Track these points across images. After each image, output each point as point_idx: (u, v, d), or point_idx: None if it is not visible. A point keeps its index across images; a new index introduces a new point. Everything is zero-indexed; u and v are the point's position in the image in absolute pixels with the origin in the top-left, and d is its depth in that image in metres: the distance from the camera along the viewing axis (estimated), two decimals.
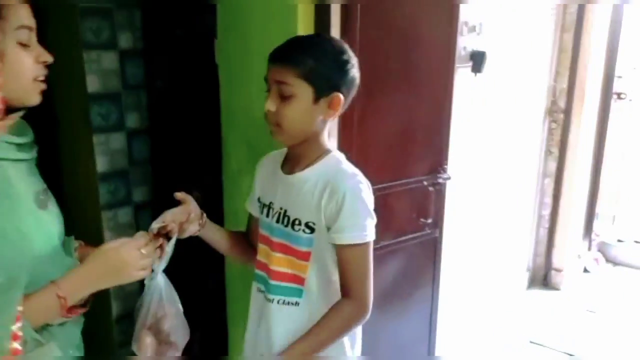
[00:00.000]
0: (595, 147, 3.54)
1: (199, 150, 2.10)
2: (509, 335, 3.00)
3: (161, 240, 1.13)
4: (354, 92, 1.20)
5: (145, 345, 1.14)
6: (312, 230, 1.18)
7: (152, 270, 1.10)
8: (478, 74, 2.27)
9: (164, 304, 1.15)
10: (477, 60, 2.17)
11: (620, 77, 3.44)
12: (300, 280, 1.21)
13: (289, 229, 1.21)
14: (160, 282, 1.15)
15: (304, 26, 1.48)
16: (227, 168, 1.80)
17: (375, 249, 1.19)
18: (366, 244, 1.16)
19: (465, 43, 2.25)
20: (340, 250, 1.16)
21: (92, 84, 2.14)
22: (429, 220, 1.88)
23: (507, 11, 2.60)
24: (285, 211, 1.21)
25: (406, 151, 1.82)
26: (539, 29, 2.98)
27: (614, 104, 3.50)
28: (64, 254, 1.07)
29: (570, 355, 2.83)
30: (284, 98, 1.12)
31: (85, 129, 2.16)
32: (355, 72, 1.17)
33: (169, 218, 1.18)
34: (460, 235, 2.56)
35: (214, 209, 1.93)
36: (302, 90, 1.12)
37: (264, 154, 1.61)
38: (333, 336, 1.17)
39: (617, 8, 3.23)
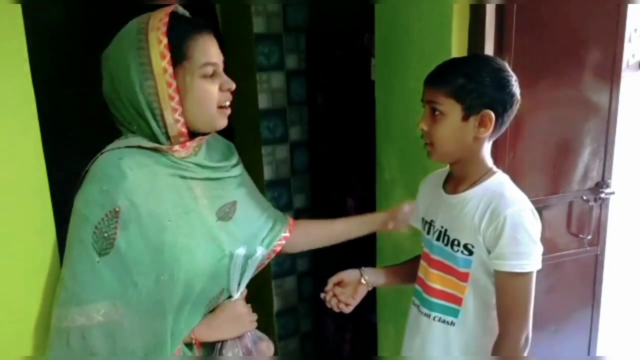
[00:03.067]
0: None
1: (354, 161, 2.25)
2: None
3: None
4: (514, 110, 1.18)
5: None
6: (471, 252, 1.18)
7: None
8: None
9: None
10: None
11: None
12: (457, 300, 1.23)
13: (448, 248, 1.22)
14: None
15: (459, 27, 1.51)
16: (381, 178, 1.90)
17: None
18: (528, 275, 1.13)
19: (635, 50, 2.09)
20: (500, 276, 1.15)
21: (263, 101, 2.40)
22: (589, 237, 1.79)
23: None
24: (446, 230, 1.23)
25: (565, 165, 1.76)
26: None
27: None
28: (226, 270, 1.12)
29: None
30: (435, 117, 1.16)
31: (257, 141, 2.44)
32: (513, 89, 1.15)
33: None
34: (626, 252, 2.36)
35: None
36: (452, 109, 1.14)
37: (415, 166, 1.69)
38: None
39: None
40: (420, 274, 1.32)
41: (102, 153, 1.05)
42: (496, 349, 1.18)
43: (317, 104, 2.45)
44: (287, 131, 2.51)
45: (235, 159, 1.23)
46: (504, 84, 1.15)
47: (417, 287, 1.33)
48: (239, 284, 1.13)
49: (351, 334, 2.43)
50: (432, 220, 1.29)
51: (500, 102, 1.14)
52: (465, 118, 1.14)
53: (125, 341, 0.99)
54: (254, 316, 1.19)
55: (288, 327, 2.69)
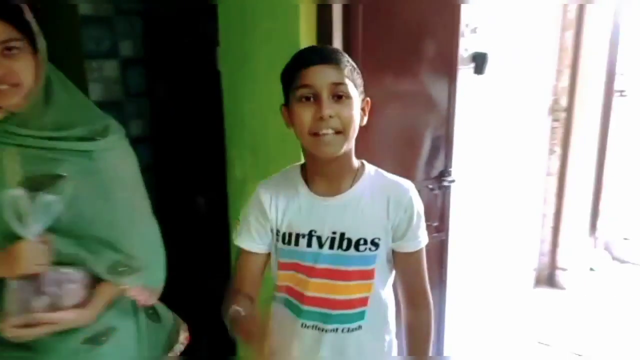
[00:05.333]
0: (598, 144, 3.53)
1: (202, 157, 2.10)
2: (516, 336, 2.98)
3: None
4: None
5: None
6: (377, 246, 1.14)
7: None
8: (480, 76, 2.26)
9: None
10: (479, 61, 2.16)
11: (622, 74, 3.43)
12: (363, 302, 1.16)
13: (350, 251, 1.14)
14: None
15: (307, 27, 1.47)
16: (232, 175, 1.80)
17: None
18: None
19: (467, 45, 2.24)
20: (410, 256, 1.16)
21: (95, 92, 2.14)
22: (436, 223, 1.88)
23: (507, 12, 2.59)
24: (343, 234, 1.13)
25: (411, 155, 1.82)
26: (539, 29, 2.97)
27: (616, 101, 3.49)
28: None
29: (579, 355, 2.82)
30: (341, 100, 1.05)
31: None
32: None
33: None
34: (467, 236, 2.55)
35: (219, 216, 1.94)
36: (353, 91, 1.06)
37: (269, 161, 1.62)
38: (430, 343, 1.22)
39: (618, 6, 3.23)
40: (299, 288, 1.18)
41: None
42: (420, 324, 1.20)
43: (159, 96, 2.25)
44: (125, 126, 2.26)
45: (87, 130, 1.13)
46: None
47: (307, 307, 1.18)
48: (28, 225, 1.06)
49: (207, 339, 2.30)
50: (312, 231, 1.14)
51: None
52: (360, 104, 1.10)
53: None
54: (41, 258, 1.08)
55: None
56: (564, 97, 3.25)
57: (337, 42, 1.50)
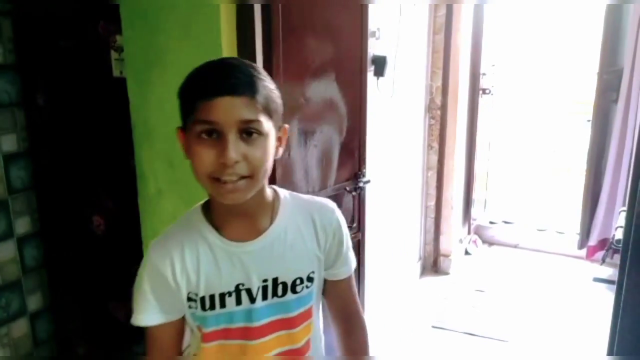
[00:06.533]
0: (467, 139, 3.85)
1: (97, 172, 1.90)
2: (411, 322, 3.14)
3: None
4: None
5: None
6: (312, 280, 1.01)
7: None
8: (381, 78, 2.33)
9: None
10: (379, 64, 2.23)
11: (484, 74, 3.78)
12: (308, 346, 1.05)
13: (288, 296, 0.99)
14: None
15: (227, 28, 1.40)
16: (144, 192, 1.65)
17: None
18: None
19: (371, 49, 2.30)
20: (341, 282, 1.07)
21: None
22: (354, 225, 1.90)
23: (397, 16, 2.71)
24: (276, 279, 0.97)
25: (329, 159, 1.82)
26: (418, 32, 3.16)
27: (481, 99, 3.83)
28: None
29: (471, 334, 3.06)
30: (251, 140, 0.86)
31: None
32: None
33: None
34: (371, 234, 2.63)
35: (128, 236, 1.77)
36: (268, 126, 0.88)
37: (188, 173, 1.51)
38: None
39: (478, 9, 3.54)
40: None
41: None
42: (360, 346, 1.12)
43: (38, 105, 1.99)
44: None
45: None
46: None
47: None
48: None
49: None
50: (239, 285, 0.96)
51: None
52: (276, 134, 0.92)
53: None
54: None
55: None
56: (438, 96, 3.49)
57: (259, 43, 1.45)
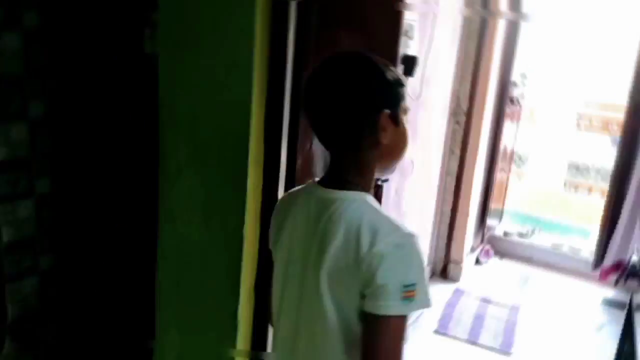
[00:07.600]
0: (489, 147, 3.81)
1: (121, 147, 1.92)
2: (413, 326, 3.13)
3: None
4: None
5: None
6: None
7: None
8: (409, 78, 2.31)
9: None
10: (409, 64, 2.21)
11: (514, 83, 3.73)
12: None
13: None
14: None
15: (261, 20, 1.40)
16: (165, 168, 1.66)
17: None
18: None
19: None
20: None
21: None
22: None
23: (431, 16, 2.69)
24: None
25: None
26: (451, 35, 3.12)
27: (508, 108, 3.79)
28: None
29: (474, 344, 3.04)
30: None
31: None
32: None
33: None
34: None
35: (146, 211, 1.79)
36: None
37: (211, 155, 1.53)
38: None
39: (512, 22, 3.50)
40: None
41: None
42: None
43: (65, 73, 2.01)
44: (26, 107, 2.00)
45: None
46: None
47: None
48: None
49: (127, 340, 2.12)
50: None
51: None
52: None
53: None
54: None
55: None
56: (464, 102, 3.46)
57: (291, 38, 1.45)
